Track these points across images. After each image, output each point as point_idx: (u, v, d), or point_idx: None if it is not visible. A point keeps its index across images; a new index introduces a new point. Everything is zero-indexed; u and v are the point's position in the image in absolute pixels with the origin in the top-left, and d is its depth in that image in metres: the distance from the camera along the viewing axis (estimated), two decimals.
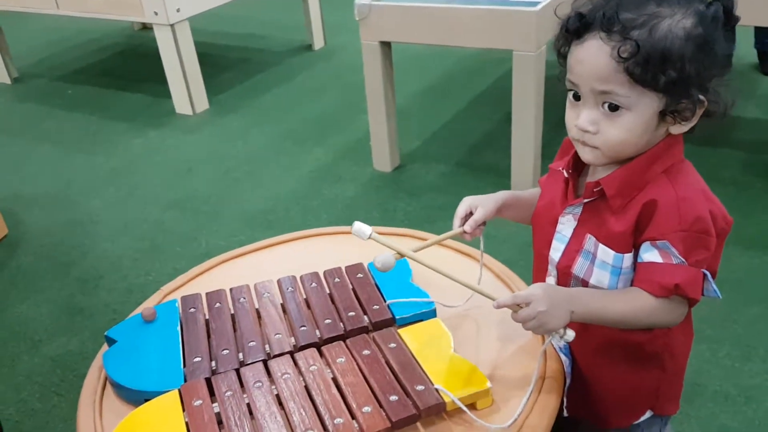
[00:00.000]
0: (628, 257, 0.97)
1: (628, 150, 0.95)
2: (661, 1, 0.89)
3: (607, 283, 0.99)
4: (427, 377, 1.02)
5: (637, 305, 0.96)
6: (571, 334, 0.95)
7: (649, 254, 0.95)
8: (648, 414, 1.12)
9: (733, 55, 0.93)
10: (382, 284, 1.24)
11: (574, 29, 0.92)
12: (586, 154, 0.97)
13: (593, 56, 0.90)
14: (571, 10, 0.93)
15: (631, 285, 0.99)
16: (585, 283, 1.01)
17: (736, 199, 2.42)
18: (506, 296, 0.96)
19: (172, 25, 3.35)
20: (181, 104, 3.60)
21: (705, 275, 0.96)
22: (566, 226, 1.04)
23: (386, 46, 2.61)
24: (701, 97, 0.90)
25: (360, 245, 1.40)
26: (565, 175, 1.04)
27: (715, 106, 0.92)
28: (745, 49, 3.49)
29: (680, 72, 0.87)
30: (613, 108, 0.91)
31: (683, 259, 0.93)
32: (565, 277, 1.05)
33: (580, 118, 0.94)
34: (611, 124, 0.92)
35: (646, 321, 0.99)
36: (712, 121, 0.94)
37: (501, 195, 1.16)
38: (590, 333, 1.04)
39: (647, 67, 0.87)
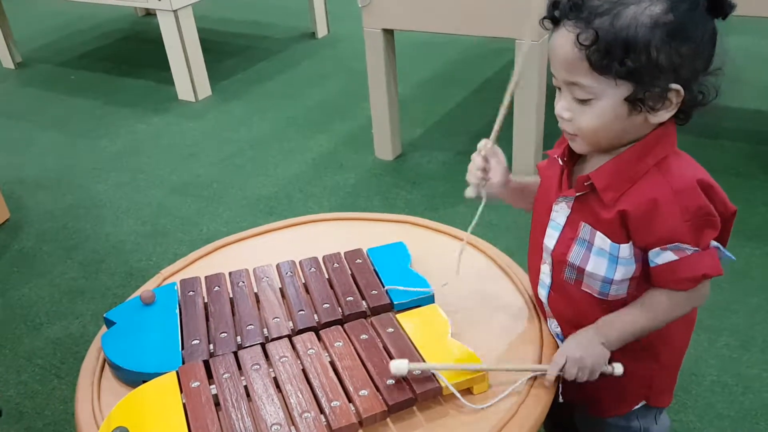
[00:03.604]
0: (624, 247, 0.97)
1: (603, 138, 0.95)
2: None
3: (604, 270, 0.99)
4: (424, 362, 1.03)
5: (663, 308, 0.99)
6: (619, 369, 1.02)
7: (662, 257, 0.95)
8: (641, 404, 1.12)
9: (716, 41, 0.90)
10: (381, 270, 1.24)
11: (549, 17, 0.93)
12: (571, 143, 0.99)
13: (560, 45, 0.91)
14: None
15: (650, 287, 1.00)
16: (581, 271, 1.01)
17: (738, 190, 2.41)
18: (550, 370, 1.01)
19: (175, 11, 3.34)
20: (183, 90, 3.60)
21: (721, 255, 0.97)
22: (560, 213, 1.04)
23: (389, 33, 2.60)
24: (673, 86, 0.89)
25: (360, 231, 1.41)
26: (560, 163, 1.04)
27: (699, 96, 0.91)
28: (750, 40, 3.48)
29: (646, 60, 0.86)
30: (579, 101, 0.92)
31: (696, 248, 0.94)
32: (560, 265, 1.05)
33: (557, 106, 0.96)
34: (582, 112, 0.93)
35: (676, 315, 1.01)
36: (703, 110, 0.93)
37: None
38: (584, 321, 1.04)
39: (608, 56, 0.86)
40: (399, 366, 0.98)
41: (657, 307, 0.99)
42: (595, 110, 0.92)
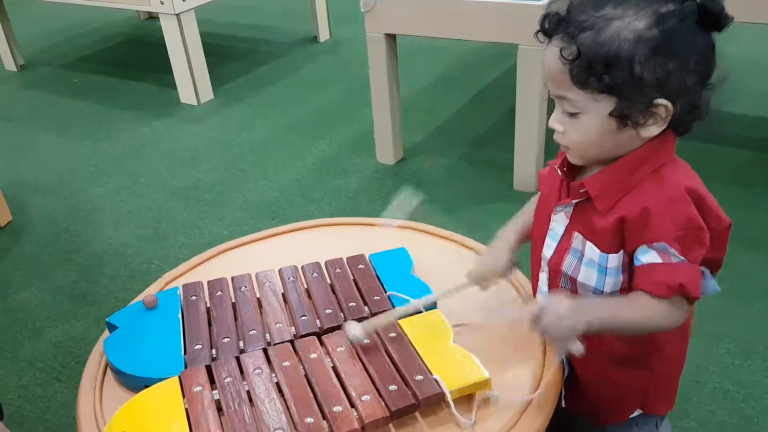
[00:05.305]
0: (613, 258, 0.96)
1: (594, 151, 0.96)
2: (619, 3, 0.88)
3: (594, 281, 0.99)
4: (427, 367, 1.03)
5: (645, 311, 0.95)
6: (579, 347, 0.95)
7: (647, 256, 0.94)
8: (637, 413, 1.12)
9: (714, 56, 0.90)
10: (383, 275, 1.25)
11: (541, 30, 0.94)
12: (567, 154, 1.00)
13: (548, 59, 0.92)
14: (545, 11, 0.94)
15: (632, 289, 0.98)
16: (573, 281, 1.01)
17: (739, 197, 2.41)
18: (528, 311, 0.98)
19: (177, 15, 3.35)
20: (185, 94, 3.60)
21: (703, 273, 0.96)
22: (558, 223, 1.04)
23: (391, 38, 2.61)
24: (660, 100, 0.88)
25: (362, 236, 1.41)
26: (559, 173, 1.04)
27: (692, 110, 0.91)
28: (748, 47, 3.48)
29: (629, 75, 0.86)
30: (570, 114, 0.93)
31: (683, 258, 0.92)
32: (556, 275, 1.05)
33: (550, 119, 0.97)
34: (572, 125, 0.94)
35: (652, 326, 0.97)
36: (705, 120, 0.93)
37: (511, 239, 1.16)
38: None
39: (588, 71, 0.87)
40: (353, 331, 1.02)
41: (640, 307, 0.95)
42: (583, 124, 0.93)
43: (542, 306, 0.97)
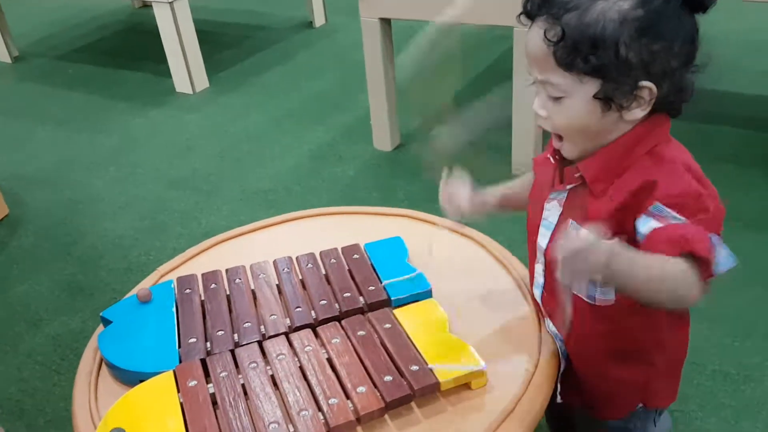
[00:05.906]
0: None
1: (581, 137, 0.94)
2: None
3: None
4: (422, 357, 1.03)
5: (662, 264, 0.86)
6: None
7: (647, 226, 0.89)
8: (639, 407, 1.10)
9: (697, 39, 0.88)
10: (378, 265, 1.24)
11: (524, 12, 0.92)
12: (556, 144, 0.98)
13: (532, 42, 0.90)
14: None
15: None
16: None
17: (737, 177, 2.39)
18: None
19: (171, 3, 3.32)
20: (180, 83, 3.58)
21: (713, 244, 0.88)
22: (552, 212, 1.02)
23: (386, 23, 2.59)
24: (645, 83, 0.87)
25: (357, 226, 1.41)
26: (552, 161, 1.02)
27: (677, 92, 0.89)
28: (745, 25, 3.45)
29: (614, 57, 0.85)
30: (553, 98, 0.91)
31: (683, 218, 0.87)
32: (552, 264, 1.03)
33: (533, 104, 0.95)
34: (556, 110, 0.92)
35: (669, 284, 0.87)
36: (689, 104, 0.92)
37: (496, 193, 1.19)
38: (576, 324, 1.03)
39: (573, 52, 0.85)
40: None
41: (657, 260, 0.86)
42: (567, 108, 0.91)
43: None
